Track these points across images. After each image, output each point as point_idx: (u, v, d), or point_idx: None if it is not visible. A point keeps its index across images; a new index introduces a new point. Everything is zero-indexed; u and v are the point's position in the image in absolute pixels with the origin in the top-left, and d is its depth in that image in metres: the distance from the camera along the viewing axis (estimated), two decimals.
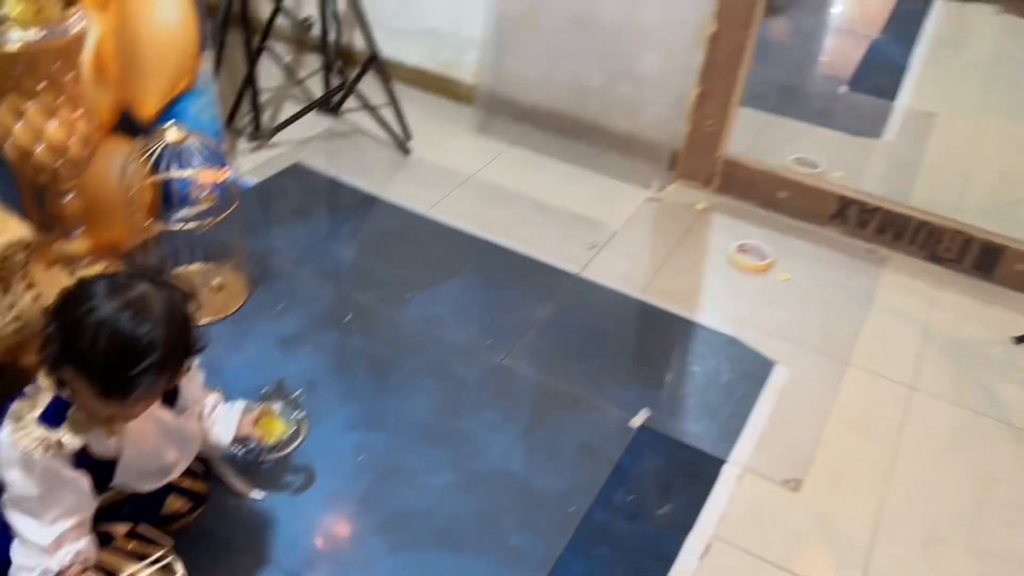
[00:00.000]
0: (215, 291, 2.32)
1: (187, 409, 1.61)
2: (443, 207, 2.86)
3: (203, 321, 2.26)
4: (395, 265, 2.57)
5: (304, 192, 2.88)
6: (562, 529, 1.85)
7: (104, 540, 1.56)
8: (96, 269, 2.28)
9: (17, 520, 1.39)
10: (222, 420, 1.70)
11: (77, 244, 2.23)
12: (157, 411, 1.51)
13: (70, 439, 1.36)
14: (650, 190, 3.04)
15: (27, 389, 1.39)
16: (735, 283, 2.65)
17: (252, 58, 3.00)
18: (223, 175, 2.11)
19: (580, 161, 3.14)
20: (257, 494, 1.85)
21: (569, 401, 2.17)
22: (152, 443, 1.50)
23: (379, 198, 2.87)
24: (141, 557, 1.56)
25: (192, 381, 1.63)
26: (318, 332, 2.29)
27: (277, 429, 1.75)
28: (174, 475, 1.59)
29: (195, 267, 2.38)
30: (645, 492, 1.96)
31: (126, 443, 1.45)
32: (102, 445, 1.43)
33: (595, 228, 2.83)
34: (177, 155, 2.12)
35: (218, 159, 2.16)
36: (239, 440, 1.71)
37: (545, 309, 2.46)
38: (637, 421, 2.13)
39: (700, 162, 3.04)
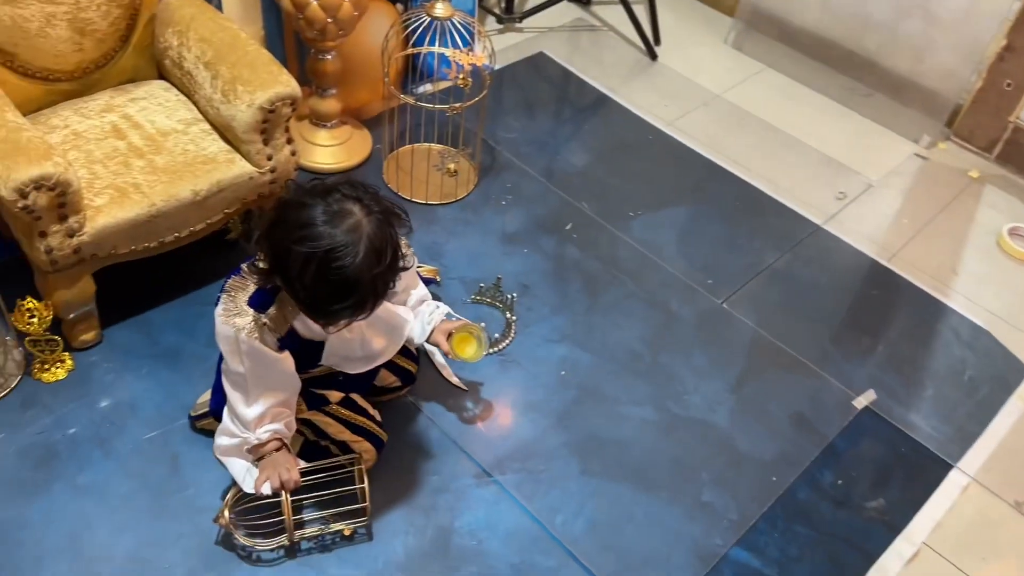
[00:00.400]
0: (449, 174, 2.30)
1: (397, 295, 1.59)
2: (683, 123, 2.68)
3: (432, 202, 2.25)
4: (624, 178, 2.44)
5: (543, 83, 2.78)
6: (760, 497, 1.74)
7: (320, 402, 1.61)
8: (340, 133, 2.31)
9: (229, 390, 1.46)
10: (421, 318, 1.66)
11: (329, 103, 2.26)
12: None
13: (275, 324, 1.38)
14: (919, 144, 2.71)
15: (244, 266, 1.40)
16: (1000, 269, 2.34)
17: None
18: (479, 60, 2.04)
19: (844, 98, 2.84)
20: (462, 385, 1.85)
21: (788, 363, 2.01)
22: (358, 332, 1.51)
23: (617, 102, 2.72)
24: (350, 424, 1.60)
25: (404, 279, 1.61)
26: (538, 235, 2.23)
27: (468, 351, 1.66)
28: (382, 360, 1.60)
29: (434, 146, 2.36)
30: (857, 479, 1.80)
31: (331, 332, 1.45)
32: (308, 329, 1.44)
33: (848, 177, 2.57)
34: (438, 31, 2.06)
35: (475, 42, 2.09)
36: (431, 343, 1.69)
37: (777, 257, 2.27)
38: (861, 401, 1.95)
39: (985, 124, 2.66)
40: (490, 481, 1.69)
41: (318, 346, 1.50)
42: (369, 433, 1.60)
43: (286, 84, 1.76)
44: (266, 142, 1.80)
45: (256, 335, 1.38)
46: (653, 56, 2.95)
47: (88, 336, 1.79)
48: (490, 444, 1.75)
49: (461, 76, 2.03)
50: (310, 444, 1.60)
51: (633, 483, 1.73)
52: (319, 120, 2.28)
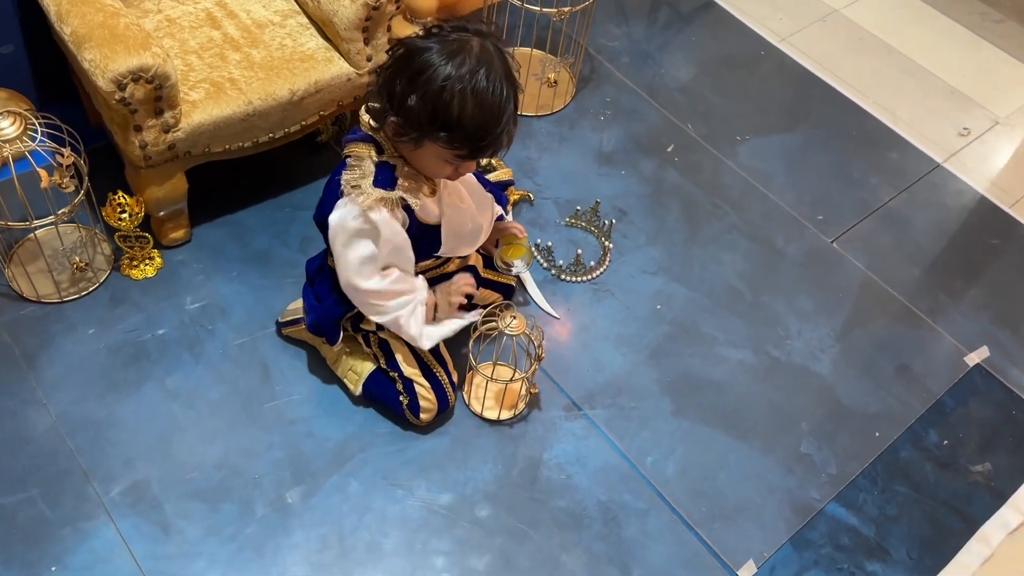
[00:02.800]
0: (548, 84, 2.17)
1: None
2: (798, 40, 2.49)
3: (527, 113, 2.13)
4: (731, 98, 2.29)
5: None
6: (861, 453, 1.67)
7: None
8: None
9: (370, 290, 1.39)
10: None
11: (424, 0, 2.12)
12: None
13: (407, 198, 1.33)
14: None
15: (348, 161, 1.33)
16: None
17: None
18: None
19: (974, 24, 2.60)
20: (554, 313, 1.78)
21: (899, 311, 1.90)
22: (467, 203, 1.46)
23: (727, 11, 2.53)
24: (424, 365, 1.54)
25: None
26: (637, 156, 2.10)
27: (516, 255, 1.61)
28: (483, 238, 1.55)
29: (534, 52, 2.22)
30: (964, 441, 1.71)
31: (445, 204, 1.41)
32: (427, 210, 1.39)
33: (973, 111, 2.37)
34: None
35: None
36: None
37: (893, 195, 2.12)
38: (974, 358, 1.84)
39: None
40: (580, 415, 1.64)
41: (435, 231, 1.43)
42: (439, 384, 1.54)
43: None
44: (367, 41, 1.69)
45: (391, 209, 1.32)
46: None
47: (178, 234, 1.75)
48: (581, 377, 1.69)
49: None
50: (379, 371, 1.55)
51: (727, 429, 1.67)
52: (414, 16, 2.15)
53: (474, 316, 1.53)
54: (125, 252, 1.69)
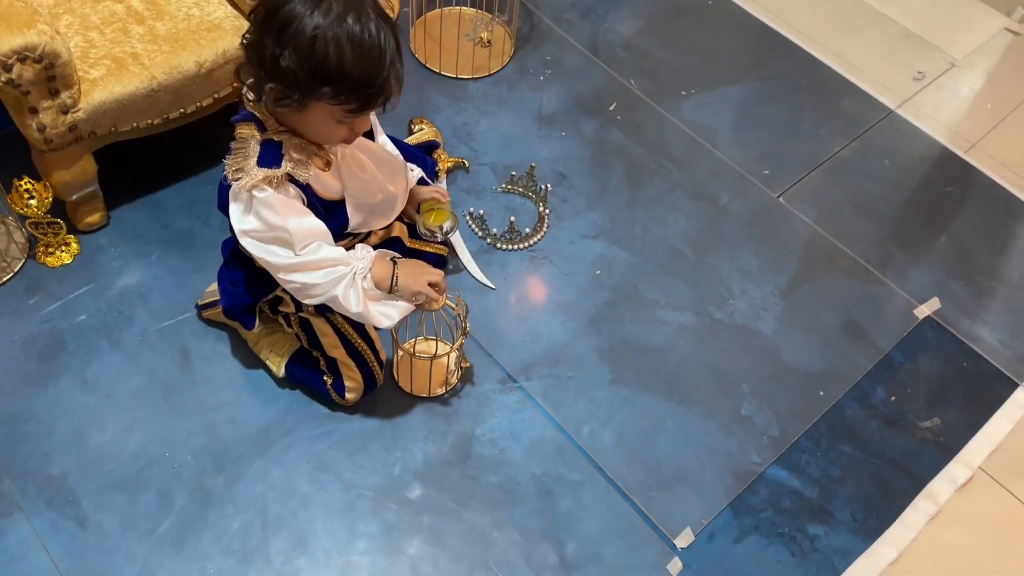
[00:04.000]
0: (482, 45, 2.09)
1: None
2: None
3: (463, 76, 2.06)
4: (676, 51, 2.21)
5: None
6: (804, 413, 1.62)
7: (327, 308, 1.49)
8: None
9: (288, 265, 1.28)
10: None
11: None
12: (363, 140, 1.37)
13: (296, 172, 1.24)
14: (1012, 18, 2.41)
15: (232, 145, 1.26)
16: None
17: None
18: None
19: None
20: (489, 283, 1.73)
21: (847, 265, 1.84)
22: (371, 172, 1.37)
23: None
24: (349, 345, 1.46)
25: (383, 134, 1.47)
26: (578, 116, 2.03)
27: (439, 220, 1.48)
28: (399, 207, 1.45)
29: (465, 11, 2.14)
30: (912, 396, 1.67)
31: (346, 176, 1.33)
32: (325, 185, 1.30)
33: (928, 54, 2.30)
34: None
35: None
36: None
37: (843, 145, 2.06)
38: (924, 311, 1.79)
39: None
40: (515, 387, 1.60)
41: (340, 206, 1.35)
42: (365, 363, 1.47)
43: None
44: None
45: (280, 186, 1.23)
46: None
47: (93, 219, 1.69)
48: (516, 348, 1.65)
49: None
50: (302, 351, 1.50)
51: (667, 394, 1.62)
52: None
53: (427, 304, 1.40)
54: (39, 240, 1.63)
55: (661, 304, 1.74)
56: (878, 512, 1.52)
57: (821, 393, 1.65)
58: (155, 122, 1.61)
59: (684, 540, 1.46)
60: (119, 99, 1.52)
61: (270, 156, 1.23)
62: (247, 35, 1.20)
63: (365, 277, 1.33)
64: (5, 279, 1.62)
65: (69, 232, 1.66)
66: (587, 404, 1.59)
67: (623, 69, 2.14)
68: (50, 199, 1.57)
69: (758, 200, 1.93)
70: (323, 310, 1.46)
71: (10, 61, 1.34)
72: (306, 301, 1.35)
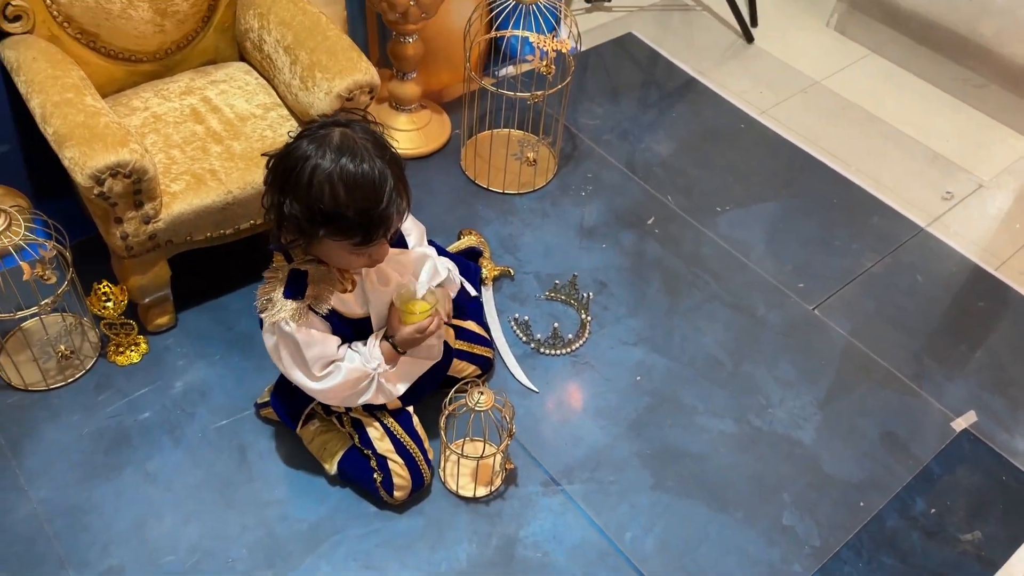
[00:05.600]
0: (528, 163, 2.22)
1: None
2: (778, 112, 2.54)
3: (509, 191, 2.18)
4: (712, 170, 2.32)
5: (630, 66, 2.67)
6: (846, 523, 1.64)
7: (376, 407, 1.56)
8: (419, 118, 2.26)
9: (324, 390, 1.42)
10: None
11: (409, 88, 2.20)
12: (391, 251, 1.43)
13: (317, 303, 1.35)
14: None
15: (265, 275, 1.38)
16: None
17: None
18: (564, 46, 1.95)
19: (956, 89, 2.64)
20: (533, 386, 1.79)
21: (883, 377, 1.88)
22: (393, 282, 1.44)
23: (708, 87, 2.59)
24: (397, 443, 1.54)
25: (421, 239, 1.55)
26: (618, 229, 2.14)
27: (416, 312, 1.43)
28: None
29: (513, 132, 2.28)
30: (952, 509, 1.68)
31: (369, 292, 1.42)
32: (348, 306, 1.41)
33: (957, 175, 2.39)
34: (523, 13, 1.98)
35: (560, 27, 2.00)
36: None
37: (876, 260, 2.13)
38: (961, 423, 1.81)
39: None
40: (557, 490, 1.64)
41: (365, 323, 1.45)
42: (413, 461, 1.54)
43: (365, 72, 1.70)
44: None
45: (302, 320, 1.35)
46: (749, 39, 2.79)
47: (163, 320, 1.79)
48: (559, 451, 1.69)
49: (544, 63, 1.94)
50: (354, 450, 1.56)
51: (708, 501, 1.65)
52: (399, 104, 2.23)
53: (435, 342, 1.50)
54: (111, 339, 1.74)
55: (700, 411, 1.79)
56: None
57: (861, 504, 1.67)
58: (227, 232, 1.73)
59: None
60: (196, 211, 1.65)
61: (295, 287, 1.35)
62: (264, 180, 1.31)
63: (384, 371, 1.43)
64: (77, 376, 1.72)
65: (139, 333, 1.77)
66: (629, 509, 1.62)
67: (660, 186, 2.26)
68: (125, 302, 1.68)
69: (794, 312, 2.00)
70: (372, 409, 1.54)
71: (103, 176, 1.47)
72: (349, 405, 1.46)
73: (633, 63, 2.68)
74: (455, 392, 1.54)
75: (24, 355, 1.72)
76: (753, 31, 2.81)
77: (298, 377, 1.41)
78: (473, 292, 1.79)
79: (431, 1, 1.98)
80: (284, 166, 1.27)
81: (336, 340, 1.42)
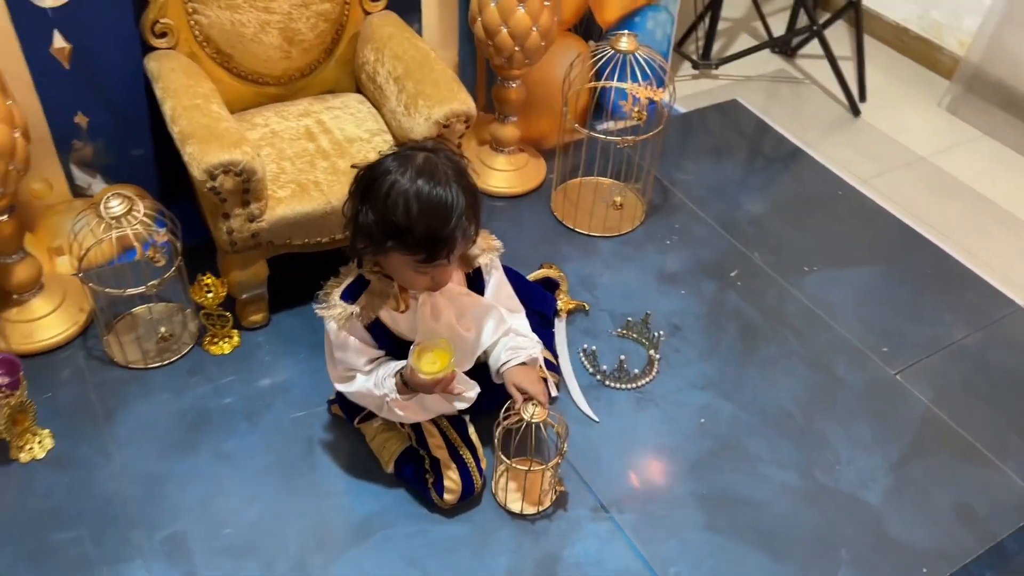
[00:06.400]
0: (614, 207, 2.28)
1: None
2: (880, 183, 2.51)
3: (594, 234, 2.25)
4: (803, 231, 2.32)
5: (731, 130, 2.71)
6: None
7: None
8: (517, 160, 2.37)
9: (345, 392, 1.55)
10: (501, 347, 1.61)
11: (508, 130, 2.32)
12: (455, 288, 1.52)
13: (363, 313, 1.45)
14: None
15: (341, 269, 1.49)
16: None
17: None
18: (659, 95, 2.02)
19: None
20: (594, 416, 1.81)
21: (962, 448, 1.80)
22: (444, 320, 1.50)
23: (809, 155, 2.60)
24: (452, 448, 1.60)
25: (495, 275, 1.59)
26: (699, 278, 2.15)
27: (429, 367, 1.41)
28: (475, 353, 1.57)
29: (604, 180, 2.35)
30: None
31: (418, 320, 1.48)
32: (396, 323, 1.49)
33: None
34: (622, 65, 2.07)
35: (659, 78, 2.08)
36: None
37: (967, 334, 2.05)
38: None
39: None
40: (606, 517, 1.63)
41: (409, 343, 1.49)
42: (465, 468, 1.59)
43: (463, 102, 1.82)
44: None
45: (346, 324, 1.45)
46: (856, 112, 2.80)
47: (257, 317, 1.93)
48: (612, 480, 1.70)
49: (636, 109, 2.02)
50: (411, 451, 1.62)
51: (761, 548, 1.61)
52: (498, 145, 2.35)
53: (470, 394, 1.53)
54: (208, 330, 1.88)
55: (765, 460, 1.76)
56: None
57: (924, 570, 1.59)
58: (322, 240, 1.86)
59: None
60: (298, 216, 1.78)
61: (353, 292, 1.46)
62: (349, 191, 1.42)
63: (394, 399, 1.49)
64: (173, 359, 1.86)
65: (233, 327, 1.90)
66: (677, 545, 1.60)
67: (748, 242, 2.27)
68: (224, 294, 1.82)
69: (875, 375, 1.94)
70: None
71: (216, 172, 1.63)
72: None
73: (734, 127, 2.73)
74: (507, 409, 1.58)
75: (129, 336, 1.88)
76: (860, 106, 2.81)
77: (329, 371, 1.53)
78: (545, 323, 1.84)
79: (535, 47, 2.10)
80: (368, 178, 1.37)
81: (369, 354, 1.50)
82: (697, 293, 2.12)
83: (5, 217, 1.70)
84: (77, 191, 2.00)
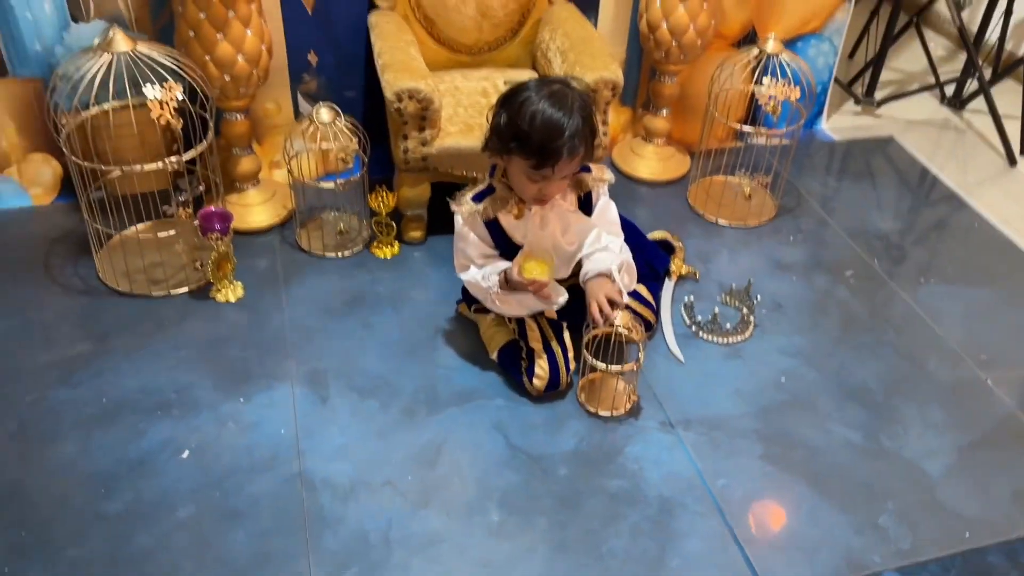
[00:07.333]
0: (744, 197, 2.49)
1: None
2: (1020, 223, 2.55)
3: (721, 222, 2.46)
4: (929, 251, 2.41)
5: (880, 159, 2.84)
6: (943, 543, 1.64)
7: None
8: (663, 152, 2.64)
9: (464, 280, 1.87)
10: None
11: (659, 122, 2.61)
12: (566, 205, 1.81)
13: (484, 212, 1.78)
14: None
15: (477, 177, 1.82)
16: None
17: (893, 27, 3.00)
18: (794, 94, 2.24)
19: None
20: (680, 357, 2.02)
21: None
22: (549, 229, 1.80)
23: (951, 189, 2.68)
24: (546, 343, 1.87)
25: (606, 210, 1.87)
26: (813, 271, 2.31)
27: (532, 270, 1.73)
28: (571, 263, 1.85)
29: (742, 178, 2.55)
30: None
31: (528, 227, 1.79)
32: (511, 228, 1.80)
33: None
34: (771, 69, 2.29)
35: (799, 84, 2.28)
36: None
37: None
38: None
39: None
40: (672, 432, 1.84)
41: (518, 247, 1.81)
42: (555, 361, 1.85)
43: (613, 72, 2.14)
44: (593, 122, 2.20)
45: (470, 218, 1.79)
46: (1012, 162, 2.83)
47: (416, 234, 2.31)
48: (684, 405, 1.89)
49: (772, 104, 2.24)
50: (512, 344, 1.90)
51: (810, 484, 1.74)
52: (649, 136, 2.64)
53: (559, 300, 1.80)
54: (376, 236, 2.28)
55: (833, 418, 1.89)
56: None
57: (967, 534, 1.66)
58: (477, 176, 2.22)
59: None
60: (460, 149, 2.16)
61: (481, 196, 1.79)
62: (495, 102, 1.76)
63: (497, 293, 1.80)
64: (345, 254, 2.27)
65: (396, 238, 2.29)
66: (731, 466, 1.77)
67: (870, 251, 2.40)
68: (393, 206, 2.21)
69: (965, 374, 2.02)
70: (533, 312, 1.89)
71: (403, 95, 2.03)
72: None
73: (883, 157, 2.85)
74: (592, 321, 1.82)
75: (316, 232, 2.32)
76: (1020, 158, 2.84)
77: (454, 259, 1.85)
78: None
79: (691, 45, 2.38)
80: (511, 92, 1.71)
81: (483, 250, 1.82)
82: (807, 282, 2.27)
83: (242, 116, 2.20)
84: (298, 117, 2.49)
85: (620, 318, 1.77)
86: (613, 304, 1.75)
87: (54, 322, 2.02)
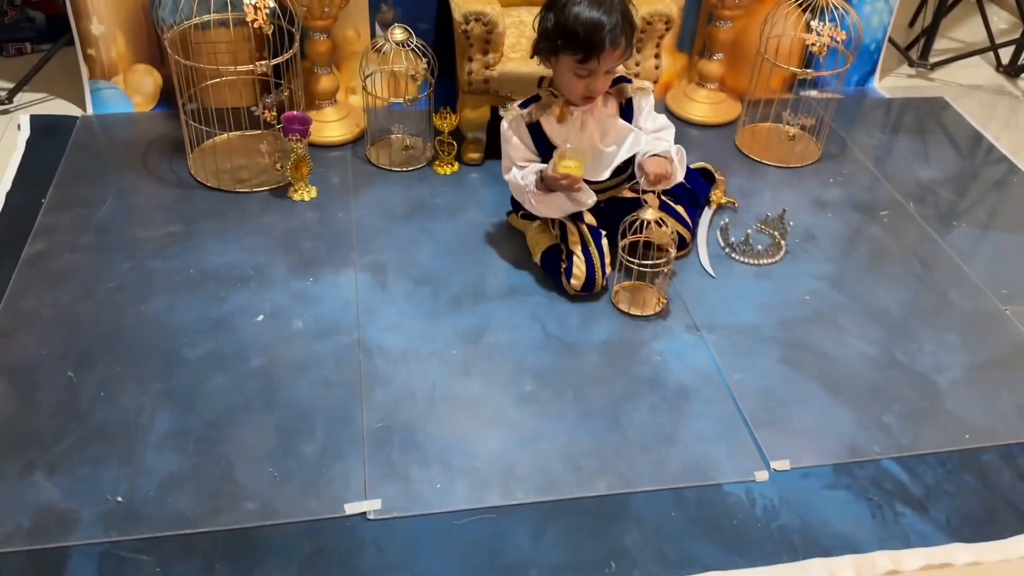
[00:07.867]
0: (789, 139, 2.61)
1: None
2: None
3: (767, 162, 2.59)
4: (967, 200, 2.50)
5: (931, 122, 2.91)
6: (943, 441, 1.75)
7: (578, 217, 2.07)
8: (715, 96, 2.77)
9: (507, 176, 2.06)
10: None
11: (713, 67, 2.74)
12: (606, 111, 1.99)
13: (528, 115, 1.98)
14: None
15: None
16: None
17: None
18: (840, 35, 2.35)
19: None
20: (711, 271, 2.16)
21: None
22: (588, 131, 1.98)
23: (997, 149, 2.74)
24: (584, 245, 2.03)
25: (645, 108, 2.05)
26: (849, 209, 2.42)
27: (566, 166, 1.88)
28: (609, 167, 2.02)
29: (789, 127, 2.67)
30: None
31: (568, 129, 1.97)
32: (553, 131, 1.98)
33: None
34: (821, 14, 2.41)
35: (845, 27, 2.39)
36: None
37: None
38: None
39: None
40: (696, 332, 1.99)
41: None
42: (591, 263, 2.01)
43: (667, 6, 2.29)
44: (638, 50, 2.35)
45: (515, 120, 1.99)
46: None
47: (474, 156, 2.50)
48: (710, 311, 2.04)
49: (818, 45, 2.36)
50: (554, 248, 2.08)
51: (821, 383, 1.88)
52: (703, 80, 2.77)
53: (588, 200, 1.98)
54: (438, 154, 2.48)
55: (852, 333, 2.01)
56: (976, 528, 1.60)
57: (967, 436, 1.77)
58: None
59: (780, 466, 1.69)
60: (520, 75, 2.33)
61: (527, 102, 2.00)
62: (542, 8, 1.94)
63: (534, 193, 1.98)
64: (409, 169, 2.48)
65: (456, 158, 2.49)
66: (748, 364, 1.92)
67: (908, 195, 2.49)
68: (455, 123, 2.41)
69: (985, 306, 2.11)
70: (574, 217, 2.05)
71: (471, 17, 2.22)
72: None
73: (933, 118, 2.93)
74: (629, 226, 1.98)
75: (385, 149, 2.53)
76: None
77: (502, 163, 2.04)
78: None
79: None
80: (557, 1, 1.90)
81: (525, 153, 2.01)
82: (843, 219, 2.39)
83: (324, 36, 2.42)
84: (374, 46, 2.70)
85: (654, 212, 1.93)
86: (663, 178, 1.94)
87: (151, 207, 2.28)
